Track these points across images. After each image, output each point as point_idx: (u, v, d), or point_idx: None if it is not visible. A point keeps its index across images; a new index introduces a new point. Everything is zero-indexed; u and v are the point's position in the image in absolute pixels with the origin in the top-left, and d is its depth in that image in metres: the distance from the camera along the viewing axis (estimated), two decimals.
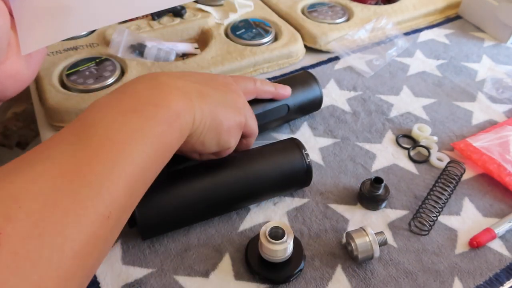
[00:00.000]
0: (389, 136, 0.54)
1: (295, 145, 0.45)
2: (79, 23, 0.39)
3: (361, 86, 0.62)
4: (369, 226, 0.40)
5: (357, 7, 0.74)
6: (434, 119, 0.57)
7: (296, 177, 0.45)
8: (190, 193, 0.40)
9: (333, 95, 0.60)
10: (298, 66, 0.65)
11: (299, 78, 0.53)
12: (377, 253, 0.39)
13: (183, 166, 0.42)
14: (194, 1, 0.72)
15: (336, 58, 0.67)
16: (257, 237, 0.40)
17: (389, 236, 0.43)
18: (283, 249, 0.37)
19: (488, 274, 0.40)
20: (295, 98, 0.51)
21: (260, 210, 0.45)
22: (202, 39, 0.67)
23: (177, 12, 0.68)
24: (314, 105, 0.54)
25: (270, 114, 0.50)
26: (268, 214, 0.45)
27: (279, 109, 0.50)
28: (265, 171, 0.43)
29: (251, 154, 0.44)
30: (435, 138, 0.53)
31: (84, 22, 0.40)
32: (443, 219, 0.45)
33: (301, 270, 0.39)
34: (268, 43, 0.65)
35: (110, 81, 0.56)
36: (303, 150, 0.44)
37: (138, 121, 0.31)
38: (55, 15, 0.39)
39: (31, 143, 1.06)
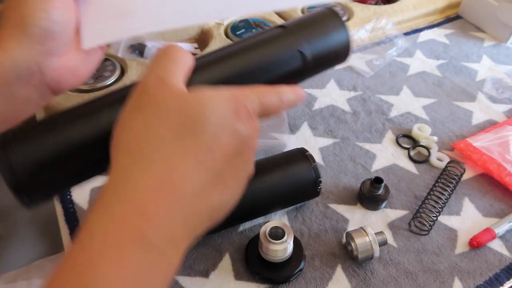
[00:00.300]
0: (389, 136, 0.54)
1: (304, 158, 0.43)
2: (142, 23, 0.40)
3: (361, 86, 0.62)
4: (369, 226, 0.40)
5: (357, 7, 0.74)
6: (434, 119, 0.57)
7: (305, 192, 0.44)
8: None
9: (333, 95, 0.60)
10: None
11: (317, 17, 0.39)
12: (377, 253, 0.39)
13: None
14: None
15: None
16: (257, 237, 0.40)
17: (389, 236, 0.43)
18: (283, 249, 0.37)
19: (488, 274, 0.40)
20: (312, 43, 0.37)
21: None
22: (202, 39, 0.67)
23: None
24: (338, 54, 0.39)
25: (275, 68, 0.36)
26: (268, 214, 0.45)
27: (287, 59, 0.36)
28: (273, 188, 0.42)
29: (257, 171, 0.37)
30: (435, 138, 0.53)
31: (146, 23, 0.40)
32: (443, 219, 0.45)
33: (301, 270, 0.39)
34: None
35: (110, 81, 0.56)
36: (312, 163, 0.43)
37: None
38: (119, 14, 0.40)
39: None
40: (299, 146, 0.45)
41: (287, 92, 0.35)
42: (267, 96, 0.33)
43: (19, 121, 0.38)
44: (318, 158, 0.51)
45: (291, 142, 0.52)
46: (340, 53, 0.39)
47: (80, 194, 0.46)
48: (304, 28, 0.37)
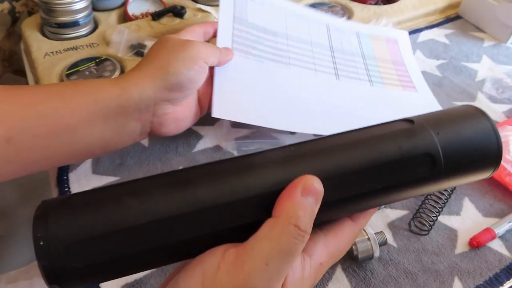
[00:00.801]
0: None
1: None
2: (266, 118, 0.47)
3: None
4: (369, 226, 0.40)
5: (357, 7, 0.74)
6: None
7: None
8: None
9: None
10: None
11: (456, 113, 0.31)
12: (377, 253, 0.39)
13: None
14: (194, 1, 0.72)
15: None
16: None
17: (389, 236, 0.43)
18: None
19: (488, 274, 0.40)
20: (448, 143, 0.28)
21: None
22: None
23: (177, 12, 0.68)
24: (483, 160, 0.30)
25: (397, 174, 0.28)
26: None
27: (409, 165, 0.28)
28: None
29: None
30: None
31: (268, 120, 0.47)
32: (443, 219, 0.45)
33: None
34: None
35: None
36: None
37: None
38: (250, 103, 0.48)
39: None
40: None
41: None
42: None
43: (114, 150, 0.42)
44: None
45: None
46: (484, 162, 0.30)
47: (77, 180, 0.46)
48: (438, 126, 0.29)
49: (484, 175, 0.31)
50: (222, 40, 0.51)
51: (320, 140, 0.29)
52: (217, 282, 0.24)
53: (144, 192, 0.25)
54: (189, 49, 0.42)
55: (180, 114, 0.44)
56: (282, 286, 0.26)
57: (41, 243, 0.23)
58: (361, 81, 0.57)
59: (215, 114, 0.45)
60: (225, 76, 0.48)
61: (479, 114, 0.30)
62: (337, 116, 0.51)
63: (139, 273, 0.39)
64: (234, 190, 0.25)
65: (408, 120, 0.30)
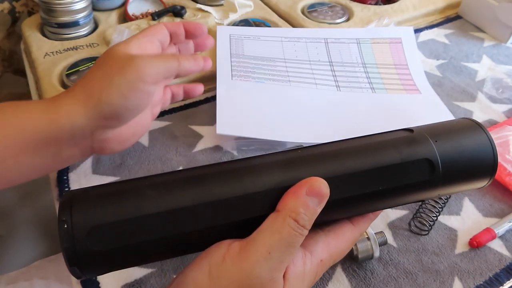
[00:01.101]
0: None
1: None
2: (266, 131, 0.49)
3: None
4: (369, 226, 0.40)
5: (357, 7, 0.74)
6: None
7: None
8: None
9: None
10: None
11: (454, 125, 0.33)
12: (377, 253, 0.39)
13: None
14: (194, 1, 0.72)
15: None
16: None
17: (389, 236, 0.43)
18: None
19: (488, 274, 0.40)
20: (446, 150, 0.30)
21: None
22: None
23: (177, 12, 0.68)
24: (479, 170, 0.32)
25: (387, 178, 0.29)
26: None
27: (409, 169, 0.30)
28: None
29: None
30: None
31: (267, 132, 0.49)
32: (443, 219, 0.45)
33: None
34: None
35: None
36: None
37: None
38: (251, 120, 0.51)
39: None
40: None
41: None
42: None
43: (54, 171, 0.39)
44: None
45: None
46: (481, 171, 0.32)
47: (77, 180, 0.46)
48: (437, 135, 0.31)
49: (480, 184, 0.33)
50: (222, 72, 0.56)
51: (325, 145, 0.31)
52: (223, 271, 0.26)
53: (161, 184, 0.27)
54: (129, 71, 0.35)
55: (125, 134, 0.40)
56: (283, 276, 0.27)
57: (65, 226, 0.25)
58: (362, 89, 0.58)
59: (218, 131, 0.48)
60: (226, 96, 0.51)
61: (476, 126, 0.32)
62: (339, 126, 0.52)
63: (139, 273, 0.39)
64: (244, 186, 0.27)
65: (408, 130, 0.32)
